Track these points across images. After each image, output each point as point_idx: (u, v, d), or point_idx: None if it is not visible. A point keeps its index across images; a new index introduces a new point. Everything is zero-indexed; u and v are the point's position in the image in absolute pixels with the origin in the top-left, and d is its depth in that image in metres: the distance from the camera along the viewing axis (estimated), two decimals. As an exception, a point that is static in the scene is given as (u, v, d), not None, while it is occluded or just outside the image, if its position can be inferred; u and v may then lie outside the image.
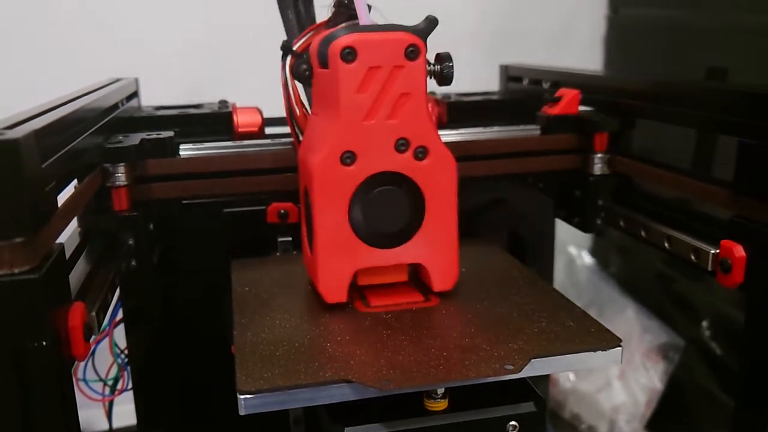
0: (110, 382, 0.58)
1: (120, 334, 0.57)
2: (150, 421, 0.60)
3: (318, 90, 0.46)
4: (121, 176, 0.49)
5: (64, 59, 0.89)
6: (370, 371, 0.37)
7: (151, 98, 0.71)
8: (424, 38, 0.43)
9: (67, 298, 0.37)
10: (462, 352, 0.39)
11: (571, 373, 1.00)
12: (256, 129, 0.61)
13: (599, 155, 0.58)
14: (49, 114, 0.40)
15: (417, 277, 0.48)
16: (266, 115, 0.62)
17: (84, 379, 0.56)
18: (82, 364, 0.56)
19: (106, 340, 0.52)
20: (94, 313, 0.38)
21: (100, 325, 0.39)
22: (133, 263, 0.50)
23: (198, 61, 0.95)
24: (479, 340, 0.40)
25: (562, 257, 1.10)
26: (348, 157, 0.43)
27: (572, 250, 1.14)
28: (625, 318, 0.99)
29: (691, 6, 0.94)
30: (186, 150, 0.53)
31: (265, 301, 0.47)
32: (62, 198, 0.41)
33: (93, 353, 0.55)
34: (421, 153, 0.44)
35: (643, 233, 0.55)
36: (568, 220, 0.62)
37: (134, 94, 0.68)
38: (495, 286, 0.49)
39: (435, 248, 0.46)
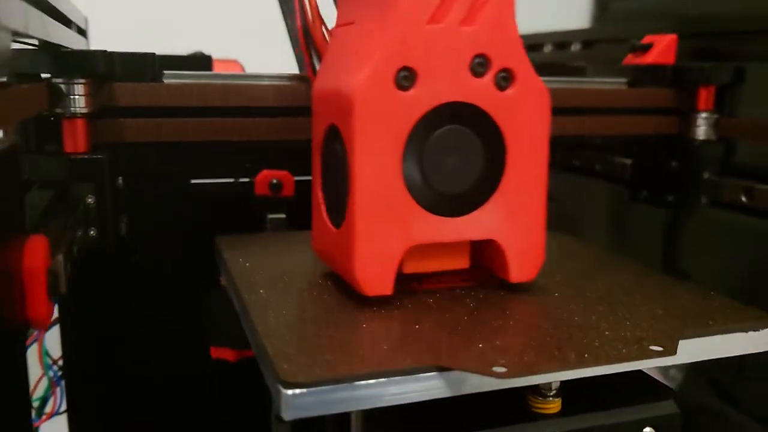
0: (37, 403, 0.45)
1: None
2: None
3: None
4: (78, 99, 0.33)
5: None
6: (470, 356, 0.26)
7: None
8: None
9: (20, 223, 0.22)
10: (581, 332, 0.29)
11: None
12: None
13: (704, 115, 0.45)
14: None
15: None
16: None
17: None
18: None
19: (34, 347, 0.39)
20: (61, 258, 0.22)
21: (59, 289, 0.23)
22: (91, 232, 0.35)
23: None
24: (593, 317, 0.30)
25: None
26: (405, 77, 0.30)
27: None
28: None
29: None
30: (172, 78, 0.38)
31: (277, 276, 0.35)
32: None
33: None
34: (505, 79, 0.31)
35: (744, 198, 0.44)
36: (658, 200, 0.48)
37: (82, 32, 0.53)
38: (577, 266, 0.39)
39: (515, 220, 0.33)
